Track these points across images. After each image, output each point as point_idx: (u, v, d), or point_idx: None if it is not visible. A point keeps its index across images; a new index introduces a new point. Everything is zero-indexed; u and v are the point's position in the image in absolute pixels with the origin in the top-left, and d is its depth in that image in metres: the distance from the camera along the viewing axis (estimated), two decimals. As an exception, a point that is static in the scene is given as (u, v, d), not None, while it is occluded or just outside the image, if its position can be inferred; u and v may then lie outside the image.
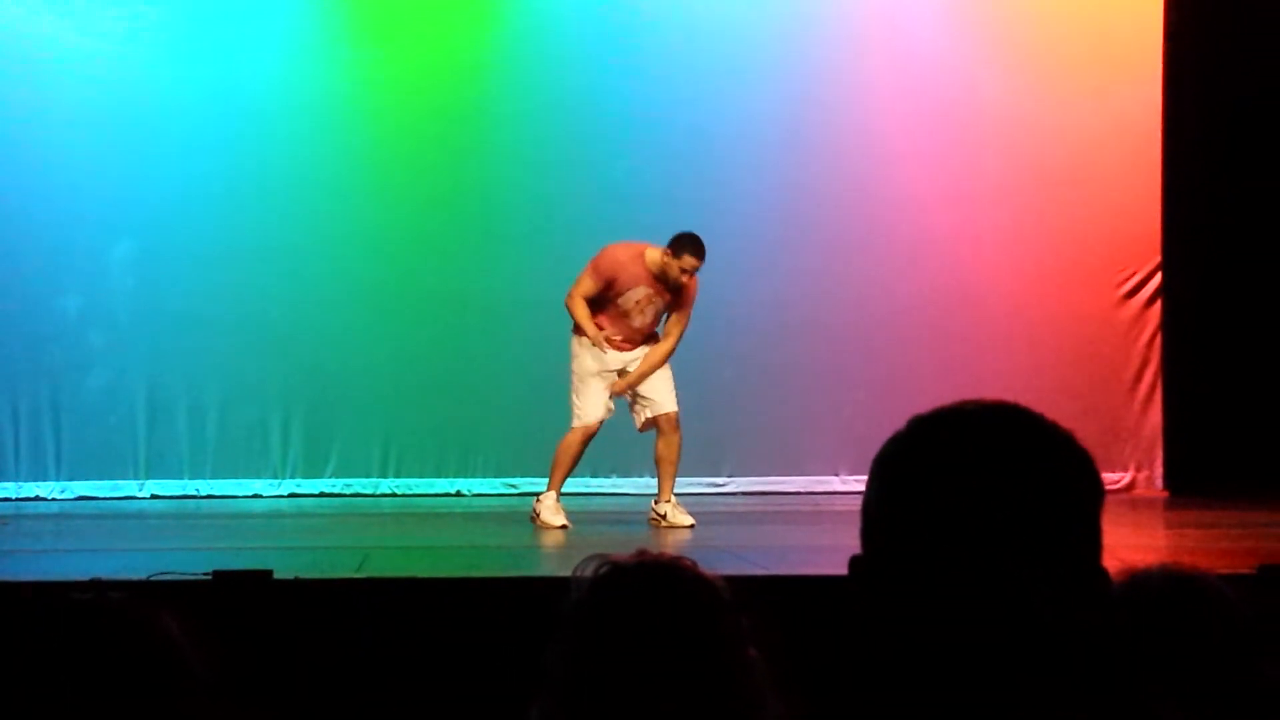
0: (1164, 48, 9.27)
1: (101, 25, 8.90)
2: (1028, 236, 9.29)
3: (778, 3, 9.23)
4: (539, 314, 8.57)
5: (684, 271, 7.25)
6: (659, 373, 7.38)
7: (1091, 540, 1.20)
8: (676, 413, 7.37)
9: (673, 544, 6.81)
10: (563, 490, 7.42)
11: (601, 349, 7.32)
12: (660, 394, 7.36)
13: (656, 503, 7.40)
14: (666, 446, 7.38)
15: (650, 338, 7.44)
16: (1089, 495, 1.20)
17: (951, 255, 9.22)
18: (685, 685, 1.79)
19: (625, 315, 7.36)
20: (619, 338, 7.38)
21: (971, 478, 1.18)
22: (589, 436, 7.36)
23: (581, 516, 7.41)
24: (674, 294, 7.35)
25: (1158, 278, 9.32)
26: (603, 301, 7.36)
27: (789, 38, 9.19)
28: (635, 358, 7.39)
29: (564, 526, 7.21)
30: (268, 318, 8.89)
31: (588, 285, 7.34)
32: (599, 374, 7.33)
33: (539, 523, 7.27)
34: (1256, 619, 1.87)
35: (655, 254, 7.29)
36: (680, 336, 7.41)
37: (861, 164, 9.18)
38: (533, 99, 9.08)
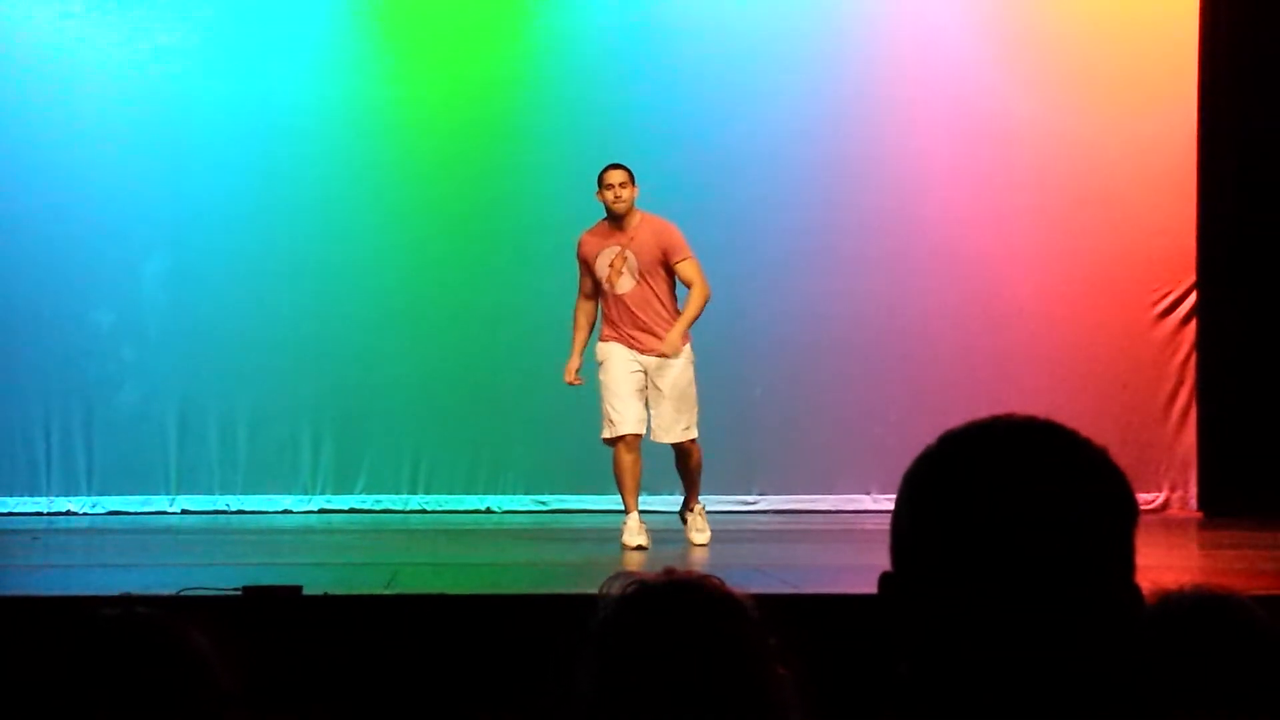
0: (1199, 66, 9.22)
1: (136, 42, 8.96)
2: (1062, 254, 9.24)
3: (808, 20, 9.22)
4: (569, 331, 8.56)
5: (610, 188, 7.11)
6: (678, 396, 7.16)
7: (1125, 559, 1.18)
8: (682, 444, 7.21)
9: (700, 562, 6.80)
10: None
11: (568, 377, 7.24)
12: (671, 422, 7.16)
13: (685, 509, 7.38)
14: (681, 464, 7.30)
15: (666, 325, 7.16)
16: (1122, 514, 1.19)
17: (985, 273, 9.19)
18: (713, 704, 1.78)
19: (612, 290, 7.15)
20: (627, 324, 7.15)
21: (1003, 494, 1.17)
22: (629, 448, 7.14)
23: (607, 534, 7.40)
24: (648, 248, 7.13)
25: (1193, 297, 9.27)
26: (600, 293, 7.23)
27: (819, 55, 9.18)
28: (659, 366, 7.13)
29: (640, 547, 7.03)
30: (299, 334, 8.92)
31: (580, 280, 7.27)
32: (627, 379, 7.12)
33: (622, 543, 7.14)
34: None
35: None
36: (701, 278, 7.16)
37: (895, 181, 9.16)
38: (562, 114, 9.09)
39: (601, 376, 7.23)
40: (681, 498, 7.45)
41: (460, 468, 9.04)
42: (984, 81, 9.24)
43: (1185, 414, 9.24)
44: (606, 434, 7.18)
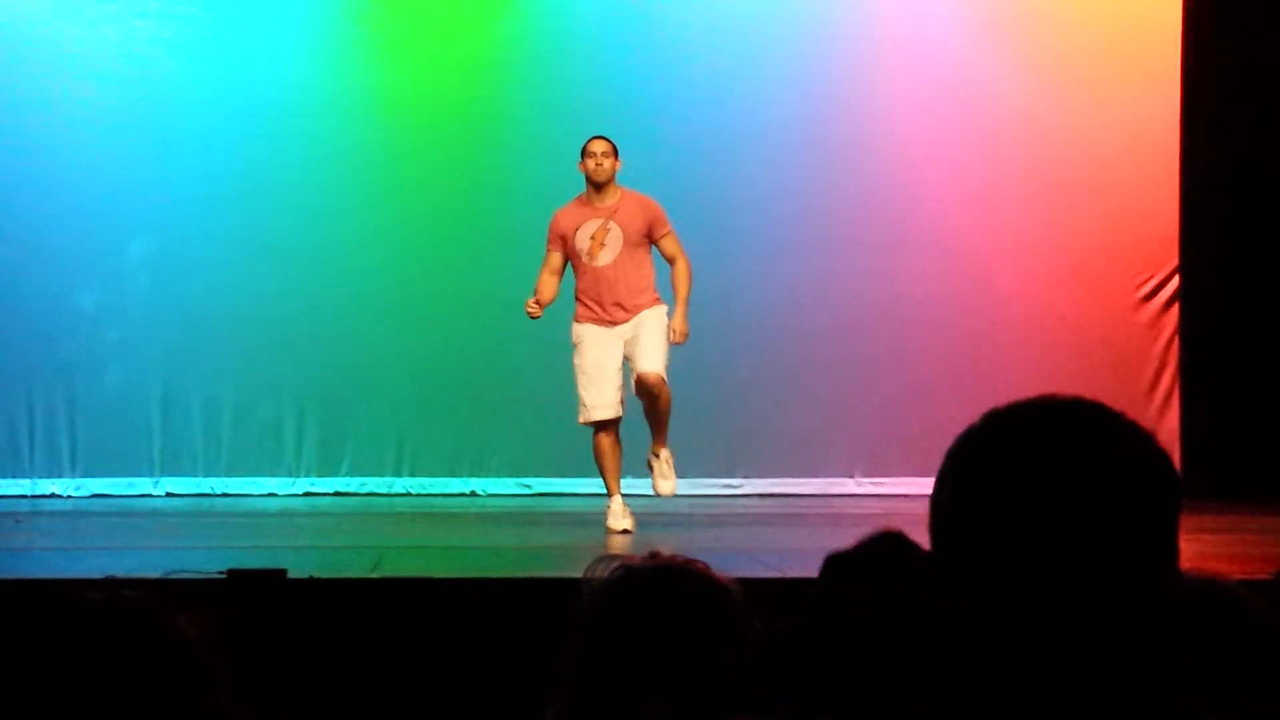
0: (1182, 52, 9.24)
1: (120, 24, 8.92)
2: (1045, 239, 9.26)
3: (794, 5, 9.21)
4: (555, 314, 8.55)
5: (590, 156, 7.15)
6: (649, 335, 7.11)
7: (1168, 542, 1.18)
8: (659, 374, 7.08)
9: (684, 546, 6.80)
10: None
11: (528, 310, 7.16)
12: (642, 355, 7.08)
13: (651, 452, 7.28)
14: (651, 406, 7.13)
15: (643, 296, 7.17)
16: (1167, 496, 1.19)
17: (968, 258, 9.20)
18: (697, 686, 1.78)
19: (592, 262, 7.12)
20: (606, 300, 7.13)
21: (1048, 473, 1.17)
22: (606, 431, 7.14)
23: (592, 518, 7.40)
24: (634, 220, 7.13)
25: (1175, 281, 9.29)
26: (575, 267, 7.18)
27: (807, 39, 9.18)
28: (633, 324, 7.12)
29: (624, 531, 7.02)
30: (283, 316, 8.90)
31: (547, 257, 7.23)
32: (601, 363, 7.10)
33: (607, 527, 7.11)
34: (1275, 624, 1.86)
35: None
36: (684, 253, 7.19)
37: (878, 165, 9.16)
38: (550, 98, 9.07)
39: (576, 360, 7.21)
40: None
41: (445, 451, 9.04)
42: (968, 67, 9.24)
43: (1168, 398, 9.27)
44: (582, 418, 7.20)
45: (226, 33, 8.98)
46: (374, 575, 5.22)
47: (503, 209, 9.03)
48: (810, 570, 5.80)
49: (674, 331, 7.12)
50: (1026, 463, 1.17)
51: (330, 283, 8.95)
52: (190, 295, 8.86)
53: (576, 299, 7.23)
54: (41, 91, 8.85)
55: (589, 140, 7.28)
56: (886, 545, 1.28)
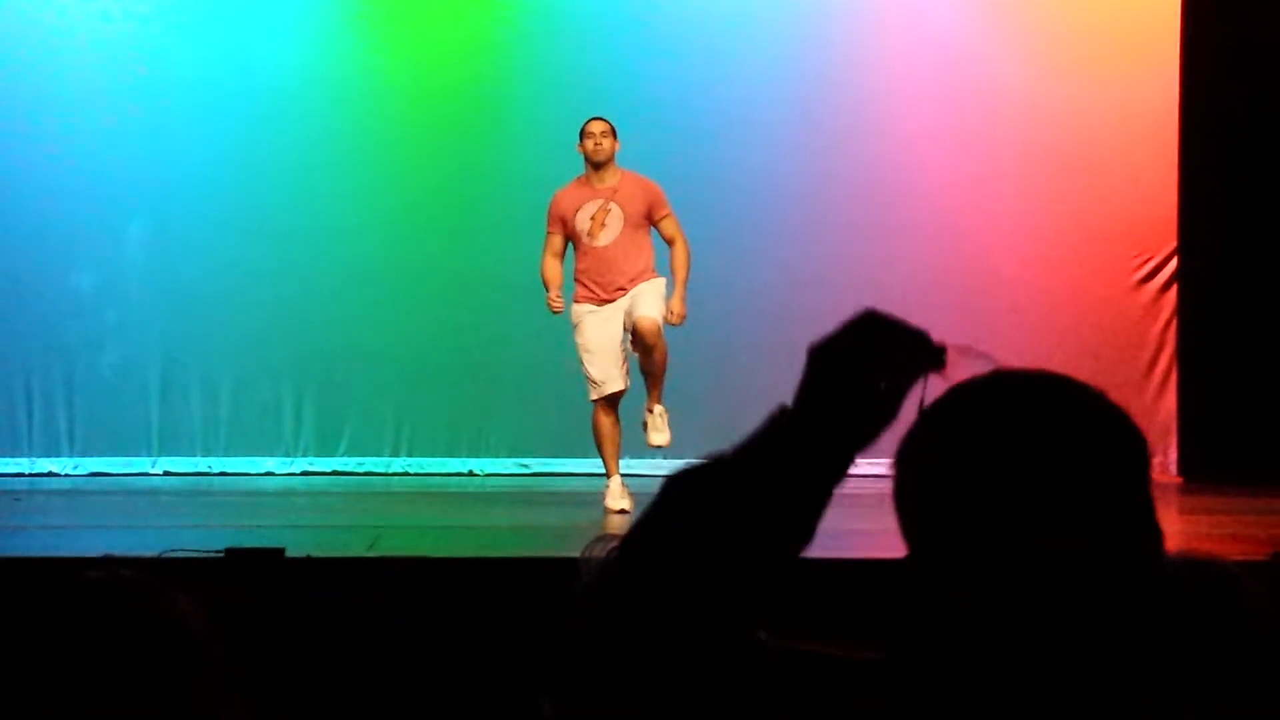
0: (1181, 34, 9.22)
1: (115, 6, 8.90)
2: (1043, 222, 9.25)
3: (794, -16, 9.19)
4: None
5: (589, 137, 7.16)
6: (644, 293, 7.12)
7: (1141, 496, 1.17)
8: (655, 320, 7.06)
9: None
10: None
11: (550, 307, 7.17)
12: (638, 305, 7.07)
13: (646, 407, 7.25)
14: (647, 358, 7.10)
15: (643, 276, 7.18)
16: (1130, 451, 1.18)
17: (966, 240, 9.20)
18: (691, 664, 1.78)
19: (592, 242, 7.13)
20: (606, 281, 7.15)
21: (1012, 445, 1.16)
22: (610, 407, 7.16)
23: (589, 498, 7.41)
24: (634, 201, 7.14)
25: (1173, 263, 9.29)
26: (575, 247, 7.19)
27: (805, 21, 9.16)
28: (635, 292, 7.13)
29: (622, 510, 7.02)
30: (281, 296, 8.89)
31: (548, 239, 7.25)
32: (603, 340, 7.12)
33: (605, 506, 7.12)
34: (1272, 605, 1.86)
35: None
36: (683, 234, 7.22)
37: (876, 149, 9.15)
38: (546, 82, 9.06)
39: (577, 339, 7.22)
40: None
41: (443, 430, 9.04)
42: (967, 48, 9.22)
43: (1165, 380, 9.27)
44: (593, 395, 7.18)
45: (224, 14, 8.96)
46: (371, 554, 5.22)
47: (500, 190, 9.02)
48: (805, 551, 5.81)
49: (671, 313, 7.12)
50: (989, 433, 1.17)
51: (328, 263, 8.94)
52: (188, 276, 8.85)
53: (576, 279, 7.23)
54: (38, 74, 8.83)
55: (587, 121, 7.28)
56: (868, 327, 1.26)
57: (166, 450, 8.93)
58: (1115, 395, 1.24)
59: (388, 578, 4.85)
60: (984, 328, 9.12)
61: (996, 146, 9.24)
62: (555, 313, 7.23)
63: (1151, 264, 9.31)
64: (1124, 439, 1.16)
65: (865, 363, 1.20)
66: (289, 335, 8.90)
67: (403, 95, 9.06)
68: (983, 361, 1.24)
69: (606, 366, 7.13)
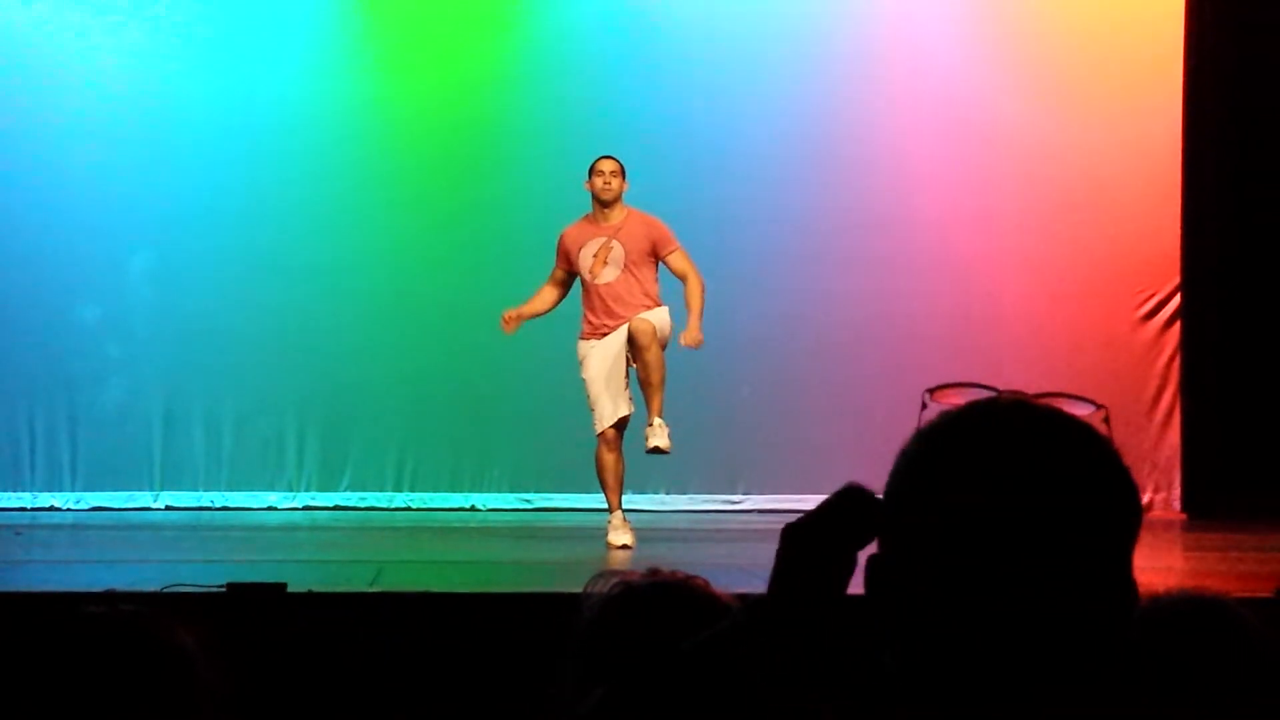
0: (1184, 70, 9.25)
1: (121, 37, 8.94)
2: (1047, 257, 9.27)
3: (796, 21, 9.23)
4: (555, 329, 8.55)
5: (599, 175, 7.18)
6: (647, 313, 7.12)
7: (1122, 554, 1.17)
8: (650, 324, 7.05)
9: (685, 562, 6.79)
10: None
11: (505, 326, 7.26)
12: (639, 317, 7.08)
13: (647, 423, 7.19)
14: (642, 365, 7.05)
15: (641, 305, 7.17)
16: (1124, 509, 1.18)
17: (970, 275, 9.20)
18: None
19: (594, 279, 7.14)
20: (608, 318, 7.15)
21: (998, 475, 1.16)
22: (610, 447, 7.14)
23: (591, 533, 7.39)
24: (636, 239, 7.15)
25: (1177, 299, 9.30)
26: (583, 286, 7.21)
27: (807, 57, 9.19)
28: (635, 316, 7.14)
29: (624, 546, 6.97)
30: (284, 330, 8.90)
31: (553, 270, 7.33)
32: (607, 371, 7.13)
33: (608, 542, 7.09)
34: (1275, 642, 1.86)
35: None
36: (694, 267, 7.23)
37: (880, 183, 9.17)
38: (551, 113, 9.09)
39: (583, 375, 7.24)
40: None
41: (445, 465, 9.04)
42: (971, 84, 9.25)
43: (1169, 416, 9.27)
44: (598, 426, 7.19)
45: (228, 48, 9.00)
46: (374, 589, 5.21)
47: (502, 224, 9.04)
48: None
49: (690, 340, 7.13)
50: (975, 463, 1.17)
51: (331, 297, 8.95)
52: (191, 309, 8.86)
53: (583, 316, 7.28)
54: (42, 106, 8.87)
55: (598, 159, 7.32)
56: (850, 504, 1.26)
57: (169, 484, 8.92)
58: (1118, 431, 1.24)
59: (390, 613, 4.83)
60: (985, 362, 9.12)
61: (999, 182, 9.26)
62: (504, 330, 7.36)
63: (1155, 300, 9.31)
64: (1113, 485, 1.17)
65: (839, 539, 1.21)
66: (292, 370, 8.91)
67: (406, 129, 9.09)
68: (984, 395, 1.25)
69: (612, 400, 7.13)
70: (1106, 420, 1.23)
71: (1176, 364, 9.29)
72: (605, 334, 7.19)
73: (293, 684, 4.50)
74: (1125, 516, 1.17)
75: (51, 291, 8.85)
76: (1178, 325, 9.30)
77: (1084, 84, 9.27)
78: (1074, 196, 9.24)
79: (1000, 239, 9.26)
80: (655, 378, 7.12)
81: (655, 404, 7.18)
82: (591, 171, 7.30)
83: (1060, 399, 1.22)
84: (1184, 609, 1.86)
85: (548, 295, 7.40)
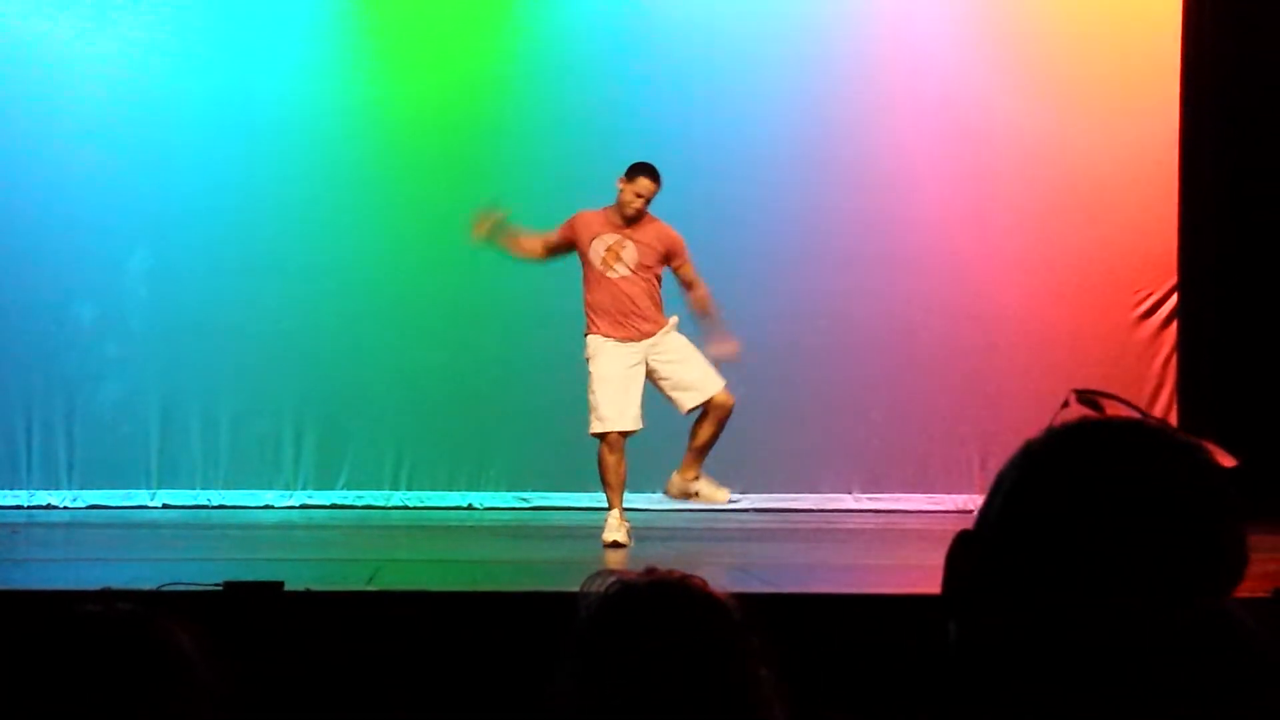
0: (1181, 69, 9.26)
1: (118, 35, 8.94)
2: (1044, 257, 9.27)
3: (794, 21, 9.23)
4: (552, 328, 8.58)
5: (638, 196, 7.10)
6: (691, 357, 7.14)
7: (1215, 590, 1.19)
8: (724, 385, 7.13)
9: (682, 560, 6.80)
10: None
11: (477, 228, 7.22)
12: (701, 377, 7.12)
13: (683, 471, 7.19)
14: (713, 421, 7.11)
15: (659, 314, 7.18)
16: (1233, 553, 1.19)
17: (967, 275, 9.21)
18: (694, 705, 1.78)
19: (606, 272, 7.11)
20: (623, 316, 7.12)
21: (1120, 493, 1.16)
22: (614, 447, 7.08)
23: (589, 532, 7.40)
24: (651, 246, 7.14)
25: (1174, 299, 9.30)
26: (588, 278, 7.17)
27: (806, 57, 9.19)
28: (654, 344, 7.13)
29: (616, 544, 6.96)
30: (281, 329, 8.90)
31: (550, 234, 7.27)
32: (621, 374, 7.07)
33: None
34: (1274, 643, 1.85)
35: (615, 204, 7.18)
36: (699, 277, 7.26)
37: (879, 183, 9.17)
38: (549, 113, 9.09)
39: (593, 369, 7.13)
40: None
41: (442, 464, 9.04)
42: (968, 83, 9.26)
43: (1165, 416, 9.27)
44: (594, 429, 7.12)
45: (226, 45, 9.00)
46: (370, 588, 5.21)
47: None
48: (808, 586, 5.81)
49: (730, 350, 7.16)
50: (1093, 479, 1.17)
51: (329, 296, 8.95)
52: (188, 308, 8.86)
53: (590, 313, 7.18)
54: (39, 104, 8.86)
55: (646, 174, 7.17)
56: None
57: (166, 483, 8.92)
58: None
59: (387, 612, 4.83)
60: (982, 363, 9.13)
61: (997, 181, 9.27)
62: (475, 228, 7.36)
63: (1152, 300, 9.32)
64: (1227, 548, 1.19)
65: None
66: (289, 369, 8.91)
67: (403, 128, 9.09)
68: (1127, 409, 1.26)
69: (619, 403, 7.06)
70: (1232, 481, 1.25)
71: (1173, 363, 9.30)
72: (624, 339, 7.13)
73: (290, 683, 4.50)
74: (1227, 566, 1.18)
75: (48, 290, 8.84)
76: (1175, 325, 9.30)
77: (1081, 84, 9.27)
78: (1071, 196, 9.25)
79: (998, 238, 9.27)
80: (722, 426, 7.15)
81: (704, 458, 7.18)
82: (630, 179, 7.16)
83: (1209, 443, 1.23)
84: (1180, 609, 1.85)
85: (532, 244, 7.35)
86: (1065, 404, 1.24)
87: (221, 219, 8.90)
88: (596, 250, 7.16)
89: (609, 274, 7.14)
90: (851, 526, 8.29)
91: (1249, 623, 1.83)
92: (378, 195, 9.08)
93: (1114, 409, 1.24)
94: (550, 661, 1.85)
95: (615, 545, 6.99)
